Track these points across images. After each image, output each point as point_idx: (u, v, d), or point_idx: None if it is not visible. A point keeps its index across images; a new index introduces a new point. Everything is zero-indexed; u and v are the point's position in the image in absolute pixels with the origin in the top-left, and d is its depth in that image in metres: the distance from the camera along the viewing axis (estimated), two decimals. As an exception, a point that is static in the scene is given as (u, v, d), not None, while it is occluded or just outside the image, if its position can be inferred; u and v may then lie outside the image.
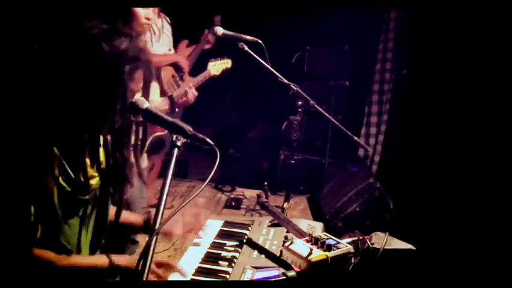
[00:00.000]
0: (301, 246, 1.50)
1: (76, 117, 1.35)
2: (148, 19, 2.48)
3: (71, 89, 1.31)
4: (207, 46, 3.85)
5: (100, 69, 1.30)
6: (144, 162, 2.81)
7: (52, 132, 1.34)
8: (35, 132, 1.33)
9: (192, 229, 1.76)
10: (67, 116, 1.34)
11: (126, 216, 1.72)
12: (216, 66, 3.42)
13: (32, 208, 1.29)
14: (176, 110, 3.66)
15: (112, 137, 1.45)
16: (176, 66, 3.65)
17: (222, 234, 1.83)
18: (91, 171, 1.45)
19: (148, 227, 1.68)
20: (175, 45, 3.80)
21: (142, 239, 2.98)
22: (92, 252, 1.53)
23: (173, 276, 1.49)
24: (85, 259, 1.42)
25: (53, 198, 1.32)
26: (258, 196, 2.06)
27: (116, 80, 1.31)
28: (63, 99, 1.33)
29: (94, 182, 1.46)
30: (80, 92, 1.31)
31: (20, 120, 1.35)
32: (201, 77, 3.43)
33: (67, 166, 1.34)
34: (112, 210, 1.63)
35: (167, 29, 3.71)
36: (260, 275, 1.51)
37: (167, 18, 3.71)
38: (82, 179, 1.39)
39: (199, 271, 1.55)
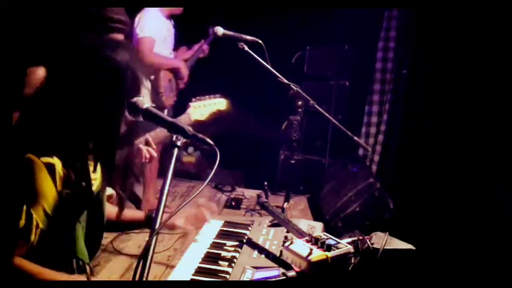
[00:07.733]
0: (301, 246, 1.50)
1: (80, 126, 1.35)
2: (120, 21, 2.21)
3: (69, 98, 1.33)
4: (202, 55, 3.91)
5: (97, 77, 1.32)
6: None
7: (56, 144, 1.33)
8: (37, 144, 1.32)
9: (195, 223, 1.77)
10: (72, 125, 1.35)
11: (130, 213, 1.73)
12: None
13: (24, 217, 1.27)
14: None
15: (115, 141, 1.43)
16: (175, 72, 3.66)
17: (222, 234, 1.83)
18: (92, 176, 1.46)
19: (149, 222, 1.69)
20: (175, 48, 3.82)
21: (142, 240, 2.98)
22: (92, 253, 1.53)
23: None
24: (64, 277, 1.37)
25: (50, 210, 1.31)
26: (258, 196, 2.06)
27: (114, 89, 1.33)
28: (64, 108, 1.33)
29: (94, 187, 1.47)
30: (78, 101, 1.33)
31: (23, 132, 1.35)
32: None
33: (71, 178, 1.34)
34: (110, 208, 1.64)
35: (172, 32, 3.71)
36: (260, 275, 1.50)
37: (172, 20, 3.71)
38: (86, 188, 1.40)
39: (199, 271, 1.55)
